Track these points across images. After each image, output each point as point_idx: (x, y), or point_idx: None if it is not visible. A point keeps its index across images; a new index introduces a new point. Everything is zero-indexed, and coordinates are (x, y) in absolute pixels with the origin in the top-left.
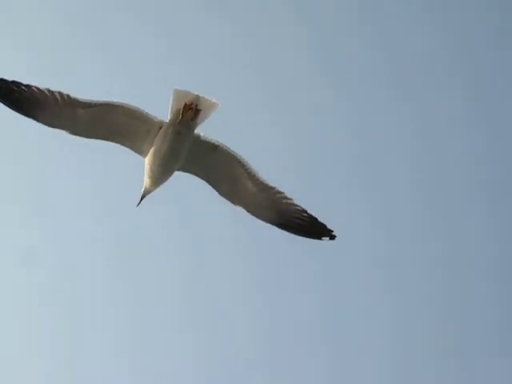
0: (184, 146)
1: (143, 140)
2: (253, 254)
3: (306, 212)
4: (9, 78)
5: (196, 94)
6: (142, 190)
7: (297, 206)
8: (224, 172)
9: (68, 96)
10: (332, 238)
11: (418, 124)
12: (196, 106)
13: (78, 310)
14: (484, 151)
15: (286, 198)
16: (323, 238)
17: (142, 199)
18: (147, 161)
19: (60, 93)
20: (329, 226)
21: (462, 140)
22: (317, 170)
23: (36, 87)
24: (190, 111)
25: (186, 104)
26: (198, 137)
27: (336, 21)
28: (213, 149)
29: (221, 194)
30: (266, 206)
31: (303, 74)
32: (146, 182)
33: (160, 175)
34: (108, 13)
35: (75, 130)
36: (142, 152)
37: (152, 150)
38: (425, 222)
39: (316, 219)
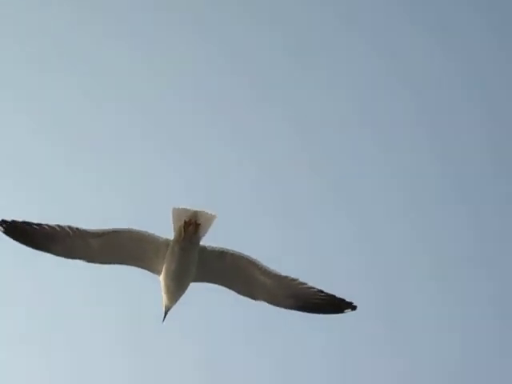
0: (191, 260)
1: (155, 260)
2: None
3: (322, 292)
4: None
5: (193, 210)
6: (163, 306)
7: (312, 288)
8: (237, 274)
9: (77, 229)
10: (354, 308)
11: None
12: (195, 221)
13: None
14: None
15: (300, 283)
16: (346, 311)
17: (165, 315)
18: (161, 278)
19: (69, 227)
20: (348, 299)
21: None
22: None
23: (46, 225)
24: (191, 226)
25: (185, 221)
26: (204, 248)
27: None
28: (220, 256)
29: (240, 293)
30: (284, 295)
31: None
32: (164, 298)
33: (175, 290)
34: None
35: (90, 259)
36: (155, 271)
37: (164, 268)
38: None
39: (334, 296)
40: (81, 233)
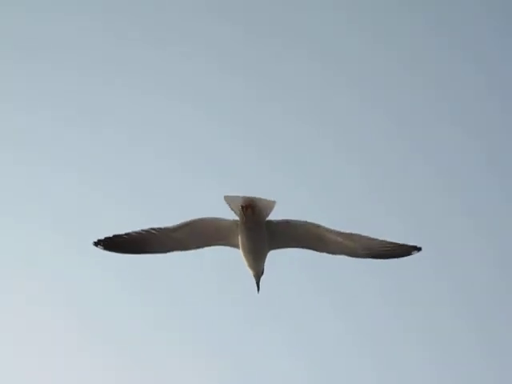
0: (260, 235)
1: (232, 237)
2: None
3: (385, 241)
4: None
5: (243, 197)
6: (253, 278)
7: (376, 239)
8: (308, 238)
9: (159, 228)
10: (419, 249)
11: None
12: (250, 204)
13: None
14: None
15: (364, 237)
16: (412, 253)
17: (258, 285)
18: (241, 253)
19: (152, 228)
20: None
21: None
22: None
23: (133, 232)
24: (249, 209)
25: (242, 206)
26: (271, 222)
27: None
28: (286, 225)
29: (318, 251)
30: (360, 248)
31: None
32: (249, 270)
33: (254, 263)
34: None
35: (182, 249)
36: (236, 246)
37: (239, 244)
38: None
39: (397, 243)
40: (163, 230)
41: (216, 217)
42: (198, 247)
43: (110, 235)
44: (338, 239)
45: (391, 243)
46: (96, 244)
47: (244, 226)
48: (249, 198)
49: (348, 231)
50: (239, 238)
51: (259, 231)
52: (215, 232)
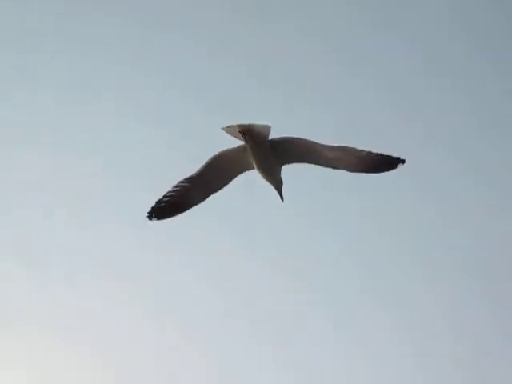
0: (266, 154)
1: (247, 159)
2: None
3: (372, 152)
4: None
5: (237, 124)
6: (274, 188)
7: (364, 150)
8: (306, 152)
9: (185, 179)
10: (403, 162)
11: None
12: (247, 129)
13: None
14: None
15: (353, 148)
16: (397, 166)
17: (281, 195)
18: (256, 171)
19: (180, 182)
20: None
21: None
22: None
23: (170, 192)
24: (248, 133)
25: (239, 131)
26: (273, 140)
27: None
28: (285, 141)
29: (320, 165)
30: (357, 160)
31: None
32: (268, 184)
33: (269, 177)
34: None
35: (216, 187)
36: (252, 167)
37: (253, 163)
38: None
39: (382, 154)
40: (192, 179)
41: (225, 149)
42: (228, 182)
43: (153, 204)
44: (331, 152)
45: (378, 154)
46: (150, 217)
47: (249, 146)
48: (243, 124)
49: (339, 144)
50: (251, 158)
51: (263, 150)
52: (235, 160)
